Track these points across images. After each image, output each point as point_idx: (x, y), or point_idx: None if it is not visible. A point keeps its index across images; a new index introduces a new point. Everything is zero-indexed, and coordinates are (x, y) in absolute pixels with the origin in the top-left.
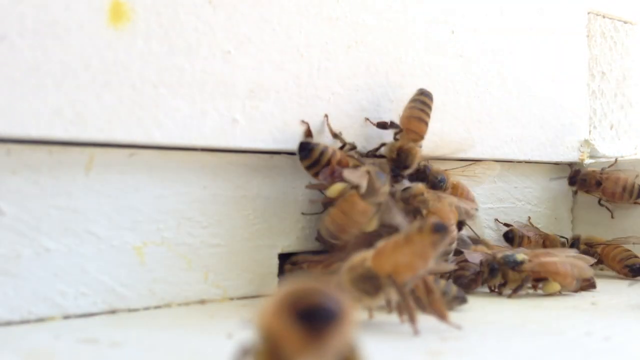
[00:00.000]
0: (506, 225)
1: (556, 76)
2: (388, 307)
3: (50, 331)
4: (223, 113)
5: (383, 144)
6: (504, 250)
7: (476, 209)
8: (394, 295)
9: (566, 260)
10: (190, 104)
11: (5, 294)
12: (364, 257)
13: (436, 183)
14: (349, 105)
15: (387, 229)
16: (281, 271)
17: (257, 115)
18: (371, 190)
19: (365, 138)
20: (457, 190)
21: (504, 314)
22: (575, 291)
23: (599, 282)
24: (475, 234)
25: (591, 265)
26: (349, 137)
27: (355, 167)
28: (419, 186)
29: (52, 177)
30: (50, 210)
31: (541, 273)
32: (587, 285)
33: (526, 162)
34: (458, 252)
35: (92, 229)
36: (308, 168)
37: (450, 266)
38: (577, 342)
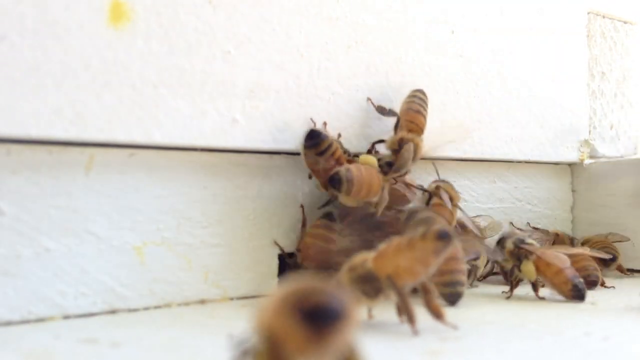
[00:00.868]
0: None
1: (556, 76)
2: (399, 317)
3: (50, 331)
4: (223, 113)
5: (379, 141)
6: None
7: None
8: (393, 297)
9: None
10: (190, 104)
11: (5, 294)
12: (365, 258)
13: None
14: (349, 105)
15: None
16: (281, 271)
17: (257, 115)
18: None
19: (365, 138)
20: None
21: (504, 314)
22: (567, 296)
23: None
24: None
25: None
26: (349, 137)
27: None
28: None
29: (52, 177)
30: (50, 210)
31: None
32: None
33: (526, 162)
34: None
35: (92, 229)
36: (317, 155)
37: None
38: (577, 342)
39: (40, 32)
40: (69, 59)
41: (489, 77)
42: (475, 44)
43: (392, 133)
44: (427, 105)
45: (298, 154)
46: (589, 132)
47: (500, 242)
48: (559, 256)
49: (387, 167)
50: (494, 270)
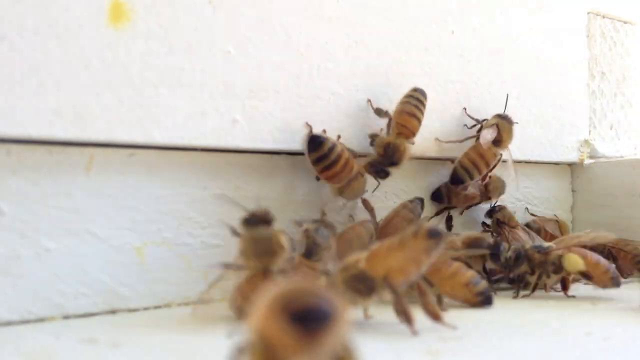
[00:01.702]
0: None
1: (556, 76)
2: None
3: (50, 331)
4: (223, 113)
5: (374, 135)
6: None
7: None
8: (388, 297)
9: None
10: (190, 104)
11: (5, 294)
12: (357, 258)
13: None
14: (349, 105)
15: None
16: None
17: (257, 115)
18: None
19: (365, 138)
20: None
21: (504, 314)
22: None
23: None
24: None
25: None
26: (349, 137)
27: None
28: None
29: (52, 177)
30: (50, 210)
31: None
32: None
33: (526, 162)
34: None
35: (92, 229)
36: (316, 162)
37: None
38: (577, 342)
39: (40, 32)
40: (69, 59)
41: (489, 77)
42: (475, 44)
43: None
44: (424, 105)
45: (298, 154)
46: (589, 132)
47: (519, 257)
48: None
49: (369, 167)
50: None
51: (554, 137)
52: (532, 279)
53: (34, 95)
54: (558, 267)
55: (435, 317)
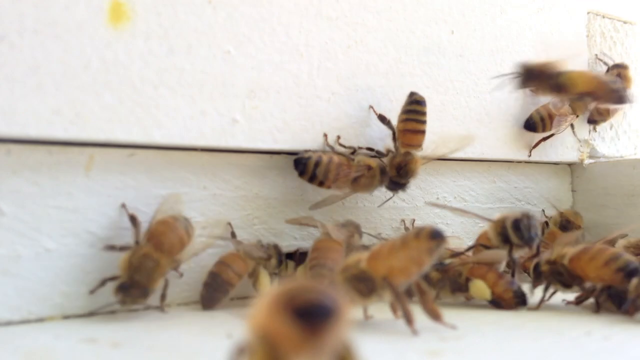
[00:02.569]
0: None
1: None
2: (394, 313)
3: (50, 331)
4: (223, 113)
5: (371, 149)
6: None
7: None
8: (388, 297)
9: None
10: (190, 104)
11: (5, 294)
12: (358, 258)
13: None
14: (349, 105)
15: None
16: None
17: (257, 115)
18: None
19: (365, 138)
20: None
21: (504, 314)
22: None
23: None
24: None
25: None
26: (349, 137)
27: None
28: None
29: (52, 177)
30: (50, 210)
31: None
32: None
33: (526, 162)
34: None
35: (92, 229)
36: (310, 181)
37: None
38: (577, 342)
39: (40, 32)
40: (69, 59)
41: (489, 77)
42: (475, 44)
43: (389, 141)
44: (425, 114)
45: (298, 153)
46: (589, 132)
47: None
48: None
49: (387, 185)
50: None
51: (554, 137)
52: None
53: (34, 95)
54: None
55: (436, 317)
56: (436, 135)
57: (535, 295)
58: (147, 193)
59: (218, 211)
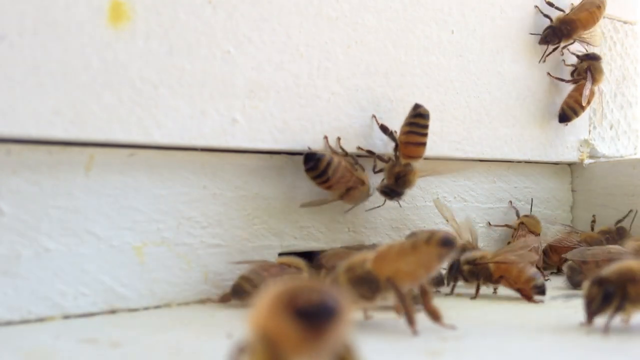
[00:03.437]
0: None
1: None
2: (397, 314)
3: (50, 331)
4: (223, 113)
5: (372, 153)
6: None
7: None
8: (391, 298)
9: None
10: (190, 104)
11: (5, 294)
12: (364, 259)
13: None
14: (349, 105)
15: None
16: None
17: (257, 115)
18: None
19: (365, 138)
20: None
21: (504, 314)
22: None
23: None
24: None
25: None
26: (349, 137)
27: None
28: None
29: (52, 177)
30: (50, 210)
31: None
32: None
33: (526, 162)
34: None
35: (92, 229)
36: (315, 178)
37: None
38: (577, 342)
39: (40, 32)
40: (69, 59)
41: (489, 77)
42: (475, 44)
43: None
44: (428, 127)
45: (298, 153)
46: (589, 132)
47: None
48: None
49: (383, 192)
50: None
51: (554, 137)
52: None
53: (34, 95)
54: None
55: (436, 317)
56: (437, 135)
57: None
58: (147, 193)
59: (218, 211)
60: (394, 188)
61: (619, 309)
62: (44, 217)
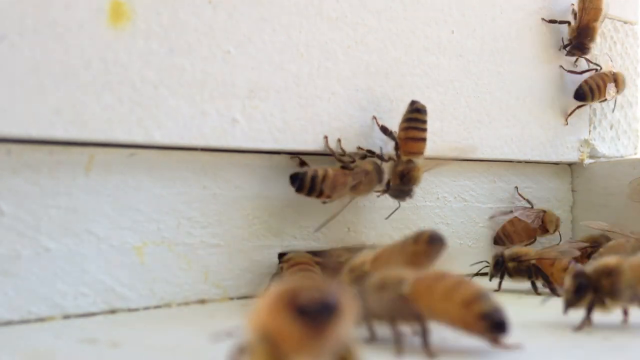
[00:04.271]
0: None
1: (556, 76)
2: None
3: (50, 331)
4: (223, 113)
5: (372, 153)
6: None
7: None
8: None
9: None
10: (190, 104)
11: (5, 294)
12: (364, 260)
13: None
14: (349, 105)
15: None
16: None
17: (257, 115)
18: None
19: (365, 138)
20: None
21: None
22: None
23: None
24: None
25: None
26: (349, 137)
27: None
28: None
29: (52, 177)
30: (50, 210)
31: None
32: None
33: (526, 162)
34: None
35: (92, 229)
36: (309, 195)
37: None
38: (577, 342)
39: (40, 32)
40: (69, 59)
41: (489, 77)
42: (475, 44)
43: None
44: (426, 122)
45: (298, 153)
46: (589, 132)
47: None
48: None
49: (389, 192)
50: None
51: (554, 137)
52: None
53: (34, 95)
54: None
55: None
56: (437, 135)
57: None
58: (147, 193)
59: (218, 211)
60: (401, 187)
61: (597, 302)
62: (44, 217)
